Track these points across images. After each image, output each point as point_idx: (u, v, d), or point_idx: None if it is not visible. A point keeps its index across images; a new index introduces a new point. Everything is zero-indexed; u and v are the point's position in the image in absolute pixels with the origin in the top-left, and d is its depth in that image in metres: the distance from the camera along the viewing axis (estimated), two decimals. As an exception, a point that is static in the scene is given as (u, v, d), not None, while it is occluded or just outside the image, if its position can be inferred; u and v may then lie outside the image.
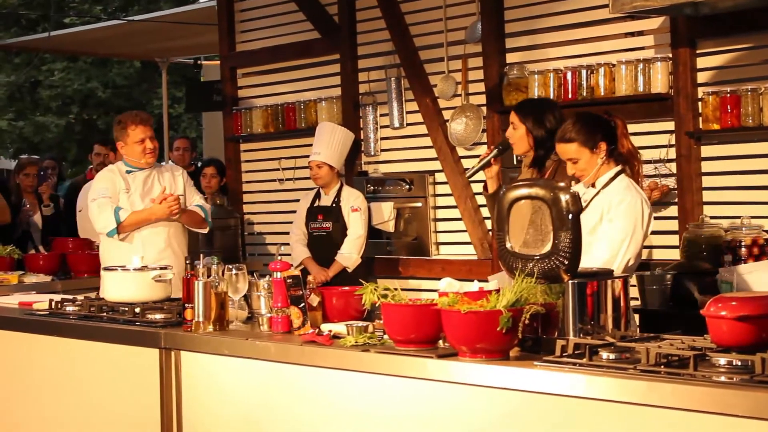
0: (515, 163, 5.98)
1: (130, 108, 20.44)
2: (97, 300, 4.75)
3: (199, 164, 9.36)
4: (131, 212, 5.66)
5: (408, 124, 7.31)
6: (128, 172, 5.80)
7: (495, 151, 5.19)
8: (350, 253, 6.77)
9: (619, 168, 4.25)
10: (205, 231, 5.99)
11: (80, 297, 4.87)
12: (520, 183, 3.45)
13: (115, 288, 4.62)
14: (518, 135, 5.07)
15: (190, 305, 4.06)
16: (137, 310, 4.41)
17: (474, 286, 3.68)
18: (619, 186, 4.21)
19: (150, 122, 5.83)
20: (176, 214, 5.69)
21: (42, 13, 17.79)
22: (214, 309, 4.02)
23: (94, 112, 20.71)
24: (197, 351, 4.02)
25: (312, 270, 6.65)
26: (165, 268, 4.67)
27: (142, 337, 4.20)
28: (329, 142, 6.88)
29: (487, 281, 4.26)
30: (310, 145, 7.14)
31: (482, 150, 6.29)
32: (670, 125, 5.95)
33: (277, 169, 8.15)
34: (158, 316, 4.34)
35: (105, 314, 4.55)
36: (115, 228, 5.62)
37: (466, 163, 6.81)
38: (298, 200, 7.26)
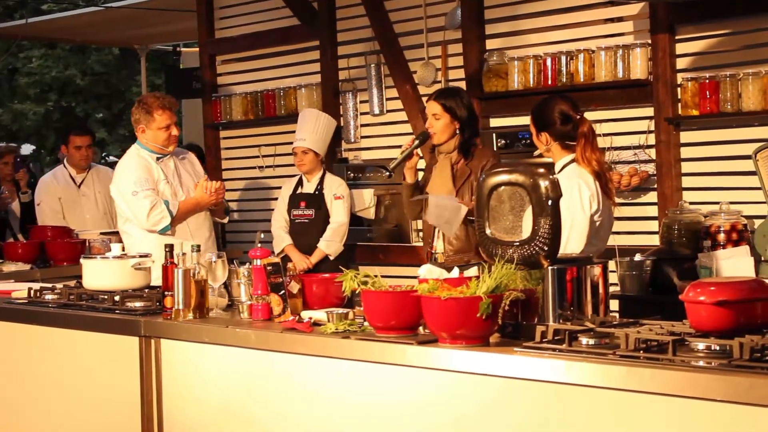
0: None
1: (109, 96, 20.45)
2: (77, 288, 4.72)
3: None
4: (179, 203, 5.50)
5: (388, 111, 7.31)
6: (159, 158, 5.58)
7: (417, 142, 5.35)
8: (333, 241, 6.76)
9: (572, 156, 4.27)
10: (226, 221, 5.87)
11: (59, 285, 4.85)
12: (500, 169, 3.45)
13: (94, 276, 4.60)
14: (442, 124, 5.29)
15: (169, 293, 4.05)
16: (117, 298, 4.39)
17: (454, 272, 3.68)
18: (561, 176, 4.20)
19: (176, 107, 5.63)
20: (221, 199, 5.61)
21: (19, 0, 17.66)
22: (194, 297, 4.01)
23: (73, 99, 20.61)
24: (177, 339, 4.01)
25: (294, 257, 6.64)
26: (145, 256, 4.65)
27: (122, 326, 4.19)
28: (314, 129, 6.85)
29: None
30: (291, 132, 7.12)
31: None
32: (649, 111, 5.96)
33: (257, 157, 8.13)
34: (138, 304, 4.33)
35: (84, 302, 4.53)
36: (170, 224, 5.44)
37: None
38: (278, 188, 7.24)
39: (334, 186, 6.86)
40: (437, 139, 5.31)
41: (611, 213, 4.42)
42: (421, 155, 5.63)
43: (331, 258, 6.72)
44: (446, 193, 5.26)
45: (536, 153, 4.46)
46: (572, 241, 4.10)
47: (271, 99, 7.88)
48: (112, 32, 10.71)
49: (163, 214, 5.44)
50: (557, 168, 4.29)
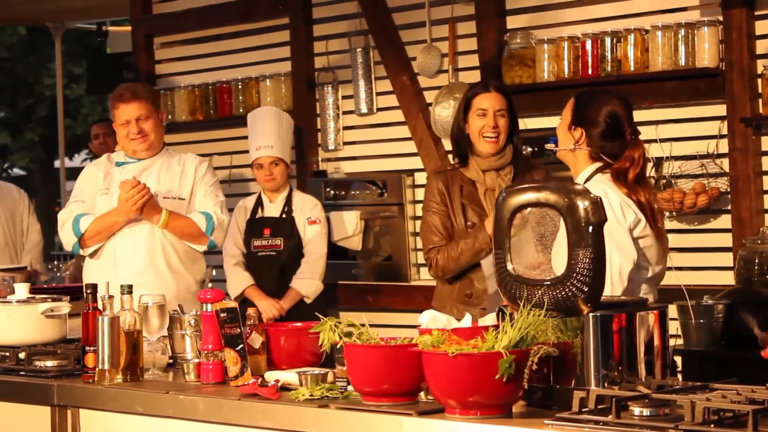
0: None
1: (14, 89, 20.47)
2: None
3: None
4: (95, 218, 5.50)
5: (379, 110, 7.32)
6: (119, 164, 5.64)
7: None
8: (311, 278, 6.74)
9: (598, 165, 4.26)
10: (203, 248, 5.66)
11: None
12: (525, 186, 3.46)
13: (-8, 327, 4.60)
14: (507, 124, 5.28)
15: (91, 348, 4.04)
16: (22, 355, 4.38)
17: (466, 320, 3.68)
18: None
19: (140, 97, 5.60)
20: (140, 207, 5.40)
21: None
22: (123, 353, 4.01)
23: (-34, 93, 20.65)
24: (101, 409, 4.00)
25: (260, 303, 6.54)
26: (60, 299, 4.64)
27: (29, 392, 4.19)
28: (278, 131, 6.85)
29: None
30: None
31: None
32: (720, 110, 5.98)
33: (208, 169, 8.13)
34: (50, 364, 4.32)
35: (-22, 361, 4.53)
36: (77, 242, 5.48)
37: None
38: (232, 209, 7.22)
39: (308, 207, 6.84)
40: (498, 146, 5.27)
41: (664, 235, 4.40)
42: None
43: (308, 300, 6.70)
44: None
45: (554, 149, 4.42)
46: (616, 263, 4.07)
47: (226, 93, 7.89)
48: (16, 6, 10.73)
49: (68, 233, 5.51)
50: (579, 180, 4.27)
